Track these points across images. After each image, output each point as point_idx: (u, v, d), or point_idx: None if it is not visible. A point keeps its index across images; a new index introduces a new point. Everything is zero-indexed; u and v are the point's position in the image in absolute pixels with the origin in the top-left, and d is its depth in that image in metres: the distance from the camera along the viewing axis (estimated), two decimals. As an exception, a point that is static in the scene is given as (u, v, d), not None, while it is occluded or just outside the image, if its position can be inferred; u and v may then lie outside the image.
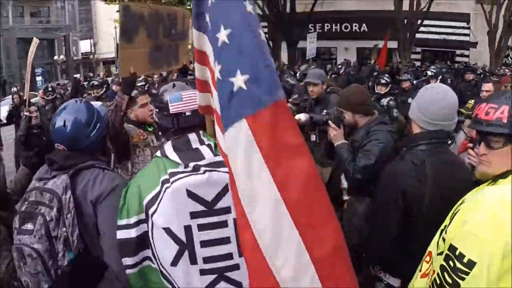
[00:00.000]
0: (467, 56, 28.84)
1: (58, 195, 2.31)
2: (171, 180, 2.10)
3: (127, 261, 2.18)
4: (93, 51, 63.28)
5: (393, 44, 20.54)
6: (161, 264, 2.12)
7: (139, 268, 2.19)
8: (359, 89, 4.13)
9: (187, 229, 2.06)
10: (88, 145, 2.56)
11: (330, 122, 3.78)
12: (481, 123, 1.97)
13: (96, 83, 9.32)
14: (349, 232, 3.36)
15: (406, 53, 20.98)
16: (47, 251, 2.27)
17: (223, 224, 2.09)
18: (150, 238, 2.13)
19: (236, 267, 2.09)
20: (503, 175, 1.90)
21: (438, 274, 1.88)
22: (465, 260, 1.76)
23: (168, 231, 2.06)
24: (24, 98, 7.02)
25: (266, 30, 24.55)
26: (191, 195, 2.07)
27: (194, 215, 2.07)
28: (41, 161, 2.64)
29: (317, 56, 17.33)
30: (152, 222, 2.10)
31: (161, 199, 2.09)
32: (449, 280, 1.81)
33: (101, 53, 63.40)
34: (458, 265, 1.78)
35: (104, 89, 8.99)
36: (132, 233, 2.16)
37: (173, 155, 2.18)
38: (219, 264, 2.08)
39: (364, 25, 28.53)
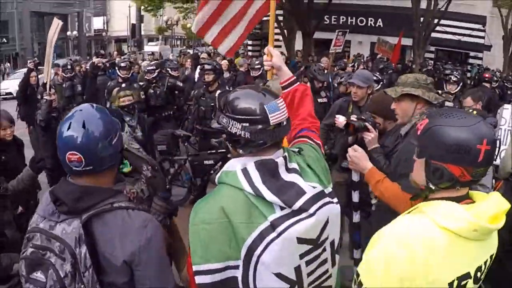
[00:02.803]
0: (481, 58, 28.67)
1: (70, 248, 1.88)
2: (277, 230, 1.89)
3: None
4: (105, 28, 63.12)
5: (407, 42, 20.49)
6: None
7: None
8: (389, 96, 4.17)
9: (297, 269, 1.98)
10: (108, 157, 2.01)
11: (367, 124, 3.77)
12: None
13: (123, 64, 9.29)
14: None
15: (420, 52, 20.95)
16: None
17: (323, 251, 2.06)
18: (251, 283, 1.93)
19: (330, 276, 2.14)
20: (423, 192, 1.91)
21: None
22: None
23: (279, 275, 1.94)
24: (45, 81, 7.02)
25: (281, 18, 24.48)
26: (301, 241, 1.94)
27: (302, 255, 1.98)
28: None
29: (328, 48, 17.18)
30: (256, 266, 1.91)
31: (264, 249, 1.89)
32: None
33: (113, 30, 63.35)
34: None
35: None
36: (217, 277, 1.92)
37: (269, 195, 1.90)
38: (319, 280, 2.10)
39: (380, 20, 28.38)
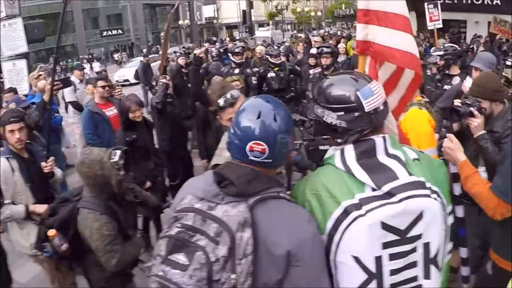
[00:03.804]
0: None
1: (230, 231, 1.70)
2: (365, 208, 1.84)
3: None
4: (216, 16, 64.88)
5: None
6: None
7: None
8: (493, 76, 3.82)
9: (378, 259, 1.87)
10: (284, 154, 1.93)
11: (473, 110, 3.53)
12: None
13: (237, 50, 9.32)
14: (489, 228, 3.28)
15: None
16: None
17: (413, 251, 1.91)
18: (332, 260, 1.90)
19: (418, 287, 1.97)
20: None
21: None
22: None
23: (357, 259, 1.86)
24: (164, 64, 7.31)
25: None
26: (385, 227, 1.85)
27: (386, 245, 1.87)
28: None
29: (443, 29, 16.18)
30: (338, 247, 1.88)
31: (348, 226, 1.85)
32: None
33: (224, 18, 64.97)
34: None
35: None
36: None
37: (361, 174, 1.89)
38: (403, 286, 1.95)
39: (498, -4, 26.60)
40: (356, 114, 1.90)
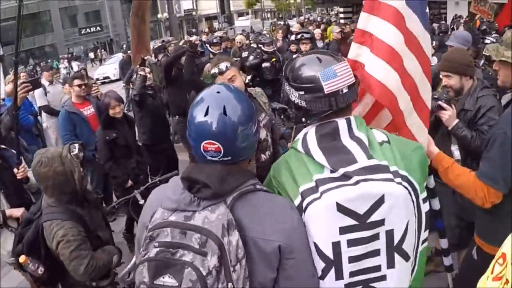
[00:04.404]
0: None
1: (216, 238, 1.56)
2: (320, 190, 1.81)
3: None
4: (194, 7, 64.62)
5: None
6: None
7: None
8: (462, 50, 3.81)
9: (335, 245, 1.81)
10: (247, 148, 1.76)
11: (441, 103, 3.44)
12: None
13: (215, 40, 9.42)
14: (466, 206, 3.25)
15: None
16: None
17: (375, 238, 1.84)
18: None
19: (383, 278, 1.90)
20: None
21: None
22: None
23: (315, 246, 1.81)
24: (144, 57, 7.24)
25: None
26: (341, 209, 1.79)
27: (343, 230, 1.81)
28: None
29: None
30: None
31: (304, 211, 1.82)
32: None
33: (203, 9, 64.68)
34: None
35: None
36: None
37: (319, 156, 1.86)
38: (365, 276, 1.88)
39: (478, -26, 26.60)
40: (316, 95, 1.88)
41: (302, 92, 1.91)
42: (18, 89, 4.19)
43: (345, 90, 1.88)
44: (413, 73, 2.55)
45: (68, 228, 3.05)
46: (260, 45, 9.06)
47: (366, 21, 2.60)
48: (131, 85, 8.93)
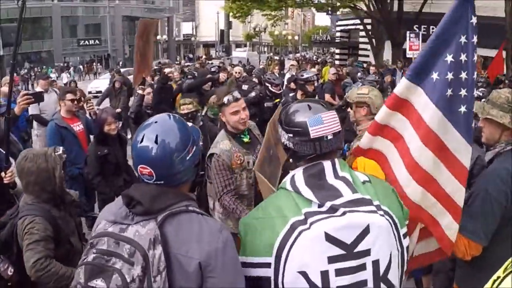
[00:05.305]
0: None
1: (143, 250, 1.74)
2: (309, 221, 1.91)
3: None
4: (194, 33, 65.19)
5: (493, 54, 19.40)
6: None
7: None
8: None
9: (324, 274, 1.89)
10: (181, 172, 1.92)
11: None
12: None
13: (213, 69, 9.72)
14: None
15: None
16: None
17: (362, 268, 1.92)
18: (280, 283, 1.94)
19: None
20: None
21: None
22: None
23: (304, 275, 1.90)
24: (144, 76, 7.29)
25: (369, 27, 24.08)
26: (329, 238, 1.89)
27: (331, 259, 1.90)
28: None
29: None
30: (285, 266, 1.93)
31: (294, 241, 1.91)
32: None
33: (202, 36, 65.27)
34: None
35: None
36: (252, 272, 2.00)
37: (307, 192, 1.98)
38: None
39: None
40: (303, 138, 2.03)
41: (291, 135, 2.07)
42: (20, 99, 4.21)
43: (330, 137, 2.03)
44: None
45: (36, 222, 3.09)
46: (267, 84, 8.55)
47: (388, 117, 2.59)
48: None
